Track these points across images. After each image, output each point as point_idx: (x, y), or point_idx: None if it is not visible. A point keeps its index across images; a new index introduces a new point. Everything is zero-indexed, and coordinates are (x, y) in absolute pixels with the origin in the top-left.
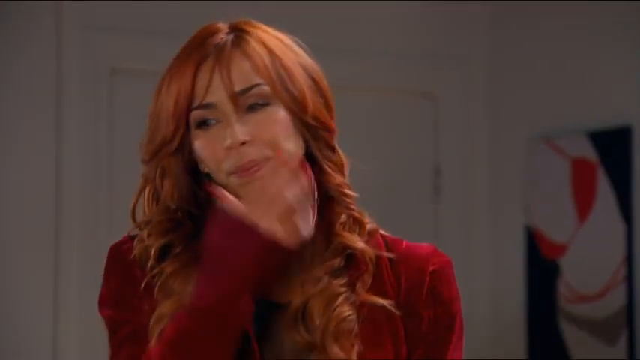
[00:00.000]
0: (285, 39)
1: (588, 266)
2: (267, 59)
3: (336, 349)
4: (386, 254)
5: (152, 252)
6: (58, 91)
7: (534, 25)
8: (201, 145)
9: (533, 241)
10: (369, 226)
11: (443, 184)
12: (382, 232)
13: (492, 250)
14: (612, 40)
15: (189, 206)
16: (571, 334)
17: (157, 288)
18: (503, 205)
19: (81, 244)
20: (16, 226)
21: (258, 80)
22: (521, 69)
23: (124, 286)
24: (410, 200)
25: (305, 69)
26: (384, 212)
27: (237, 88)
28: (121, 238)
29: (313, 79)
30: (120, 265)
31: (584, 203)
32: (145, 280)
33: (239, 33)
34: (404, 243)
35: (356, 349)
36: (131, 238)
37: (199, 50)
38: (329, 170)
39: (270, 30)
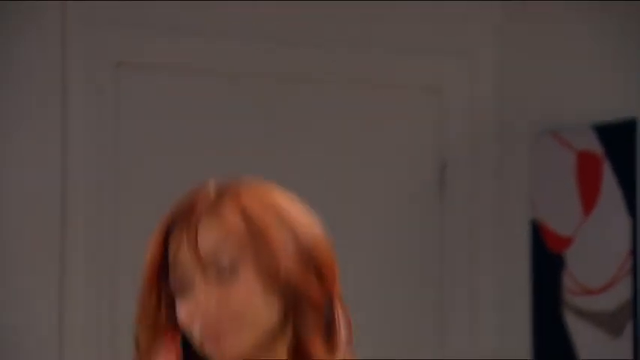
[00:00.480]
0: (284, 207)
1: (593, 259)
2: (235, 224)
3: None
4: None
5: None
6: (64, 85)
7: (541, 19)
8: (178, 314)
9: (539, 235)
10: None
11: (448, 178)
12: None
13: (497, 243)
14: (618, 33)
15: None
16: (576, 327)
17: None
18: (509, 198)
19: (86, 237)
20: (22, 219)
21: (221, 248)
22: (528, 62)
23: None
24: (415, 195)
25: (296, 239)
26: (390, 206)
27: (201, 256)
28: None
29: (300, 248)
30: None
31: (589, 196)
32: None
33: (218, 200)
34: None
35: None
36: None
37: (171, 215)
38: (308, 344)
39: (258, 193)
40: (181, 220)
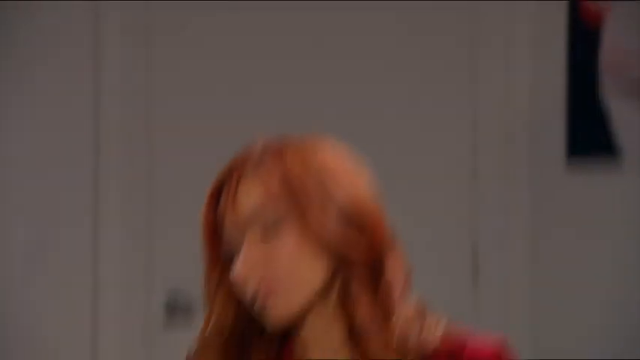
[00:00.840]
0: (321, 162)
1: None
2: (277, 184)
3: None
4: None
5: None
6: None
7: None
8: (231, 275)
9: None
10: (432, 344)
11: None
12: (448, 332)
13: None
14: None
15: (244, 324)
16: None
17: None
18: None
19: (120, 201)
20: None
21: (266, 207)
22: None
23: None
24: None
25: (338, 199)
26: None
27: (243, 212)
28: None
29: (343, 207)
30: None
31: None
32: None
33: (262, 158)
34: (467, 348)
35: None
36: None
37: (220, 177)
38: (355, 299)
39: (303, 151)
40: (227, 181)
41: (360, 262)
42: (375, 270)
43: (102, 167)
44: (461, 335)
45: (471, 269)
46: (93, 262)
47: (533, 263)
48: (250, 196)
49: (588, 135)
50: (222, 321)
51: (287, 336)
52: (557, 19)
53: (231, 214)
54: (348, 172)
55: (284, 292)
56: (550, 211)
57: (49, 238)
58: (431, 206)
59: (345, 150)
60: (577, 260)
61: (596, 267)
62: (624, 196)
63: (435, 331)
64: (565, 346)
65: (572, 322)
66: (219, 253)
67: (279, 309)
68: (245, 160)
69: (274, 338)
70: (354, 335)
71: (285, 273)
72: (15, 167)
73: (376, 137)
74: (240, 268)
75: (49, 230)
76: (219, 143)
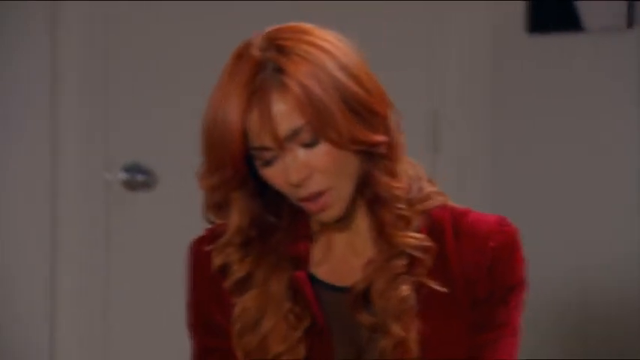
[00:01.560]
0: (325, 46)
1: None
2: (304, 99)
3: (396, 328)
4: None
5: (235, 267)
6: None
7: None
8: (267, 177)
9: None
10: (435, 201)
11: None
12: (450, 204)
13: None
14: None
15: (265, 218)
16: None
17: (234, 285)
18: None
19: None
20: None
21: (299, 123)
22: None
23: (210, 301)
24: None
25: (351, 94)
26: None
27: (282, 133)
28: (201, 233)
29: (361, 101)
30: (204, 271)
31: None
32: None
33: (280, 64)
34: (470, 216)
35: (416, 326)
36: (211, 232)
37: (242, 83)
38: (378, 176)
39: (307, 38)
40: (254, 91)
41: (382, 148)
42: (390, 145)
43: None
44: (460, 207)
45: (432, 135)
46: (52, 135)
47: (494, 130)
48: (288, 118)
49: (550, 9)
50: (240, 223)
51: (300, 233)
52: None
53: (268, 132)
54: (348, 56)
55: (335, 200)
56: (511, 78)
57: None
58: (391, 73)
59: (337, 38)
60: (537, 125)
61: (557, 133)
62: (586, 63)
63: (433, 189)
64: (524, 209)
65: (533, 186)
66: (242, 160)
67: (335, 205)
68: (262, 66)
69: (290, 214)
70: (375, 205)
71: (332, 181)
72: None
73: None
74: (294, 173)
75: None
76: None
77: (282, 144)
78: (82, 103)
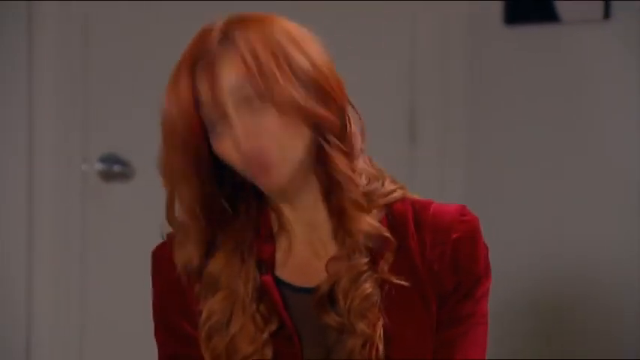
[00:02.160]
0: (281, 24)
1: None
2: (248, 60)
3: (362, 327)
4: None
5: (194, 258)
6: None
7: None
8: (221, 152)
9: None
10: (396, 194)
11: None
12: (411, 196)
13: None
14: None
15: (220, 199)
16: None
17: (201, 286)
18: None
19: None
20: None
21: (245, 84)
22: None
23: (175, 309)
24: None
25: (301, 67)
26: None
27: (225, 91)
28: (162, 240)
29: (312, 77)
30: (168, 278)
31: None
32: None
33: (228, 35)
34: (432, 208)
35: (381, 323)
36: (173, 238)
37: (191, 56)
38: (333, 156)
39: (264, 26)
40: (199, 61)
41: (332, 125)
42: (342, 127)
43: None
44: (422, 199)
45: (409, 127)
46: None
47: (470, 121)
48: (229, 75)
49: (527, 1)
50: (192, 203)
51: (261, 207)
52: None
53: (214, 91)
54: (306, 40)
55: (279, 160)
56: (488, 69)
57: None
58: (369, 67)
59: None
60: (513, 117)
61: (532, 124)
62: (562, 54)
63: (395, 186)
64: (499, 200)
65: (508, 176)
66: (197, 136)
67: (280, 167)
68: (209, 38)
69: (250, 211)
70: (332, 191)
71: (277, 143)
72: None
73: None
74: (240, 139)
75: None
76: None
77: (224, 105)
78: (59, 94)
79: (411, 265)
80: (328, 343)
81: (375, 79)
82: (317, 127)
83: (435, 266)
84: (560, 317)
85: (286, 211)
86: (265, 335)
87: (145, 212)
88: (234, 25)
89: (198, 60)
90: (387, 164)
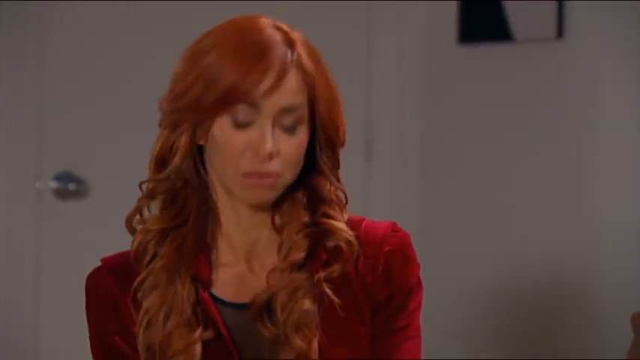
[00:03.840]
0: (317, 52)
1: None
2: (317, 78)
3: (297, 341)
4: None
5: (150, 244)
6: None
7: None
8: (228, 138)
9: None
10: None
11: None
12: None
13: None
14: None
15: (192, 174)
16: None
17: (146, 285)
18: None
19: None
20: None
21: (304, 100)
22: None
23: (112, 330)
24: None
25: (332, 88)
26: None
27: (286, 103)
28: (97, 265)
29: (333, 99)
30: (105, 301)
31: None
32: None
33: (294, 47)
34: (363, 224)
35: (317, 339)
36: (107, 262)
37: (266, 49)
38: (329, 176)
39: (303, 38)
40: (267, 65)
41: (341, 144)
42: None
43: None
44: (354, 216)
45: (365, 144)
46: None
47: (425, 139)
48: (295, 92)
49: (481, 20)
50: (179, 164)
51: (201, 245)
52: None
53: (273, 94)
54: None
55: (284, 178)
56: (442, 88)
57: None
58: None
59: None
60: (467, 134)
61: (486, 141)
62: (516, 73)
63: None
64: (453, 216)
65: (462, 192)
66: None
67: (276, 191)
68: (284, 46)
69: (193, 222)
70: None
71: (293, 165)
72: None
73: None
74: (270, 142)
75: None
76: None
77: (281, 110)
78: (13, 110)
79: (347, 279)
80: (263, 355)
81: None
82: (325, 147)
83: (368, 279)
84: (526, 328)
85: (230, 226)
86: (197, 334)
87: (100, 230)
88: (295, 38)
89: (267, 60)
90: (344, 179)
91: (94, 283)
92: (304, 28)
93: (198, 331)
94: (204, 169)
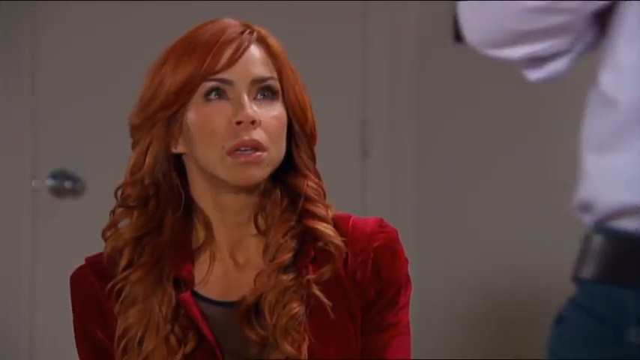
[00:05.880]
0: (282, 46)
1: None
2: (283, 61)
3: (287, 346)
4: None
5: (126, 249)
6: None
7: None
8: (207, 114)
9: None
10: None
11: None
12: (333, 212)
13: None
14: None
15: (165, 180)
16: None
17: (121, 297)
18: None
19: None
20: None
21: (274, 74)
22: None
23: (96, 325)
24: None
25: (295, 73)
26: None
27: (257, 74)
28: (80, 265)
29: (302, 88)
30: (88, 297)
31: None
32: (114, 292)
33: (258, 32)
34: (350, 221)
35: (306, 343)
36: (91, 261)
37: (220, 33)
38: (306, 173)
39: (271, 36)
40: (230, 40)
41: (313, 138)
42: (313, 145)
43: None
44: (341, 213)
45: (362, 142)
46: None
47: (420, 137)
48: (262, 63)
49: None
50: (150, 166)
51: (182, 253)
52: None
53: (242, 70)
54: None
55: (270, 154)
56: (438, 87)
57: None
58: (324, 86)
59: None
60: (462, 132)
61: (480, 139)
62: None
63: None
64: (448, 213)
65: (457, 189)
66: (191, 94)
67: (264, 168)
68: (236, 29)
69: (172, 254)
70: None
71: (275, 136)
72: None
73: None
74: (249, 109)
75: None
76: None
77: (253, 82)
78: (8, 109)
79: (336, 278)
80: (250, 358)
81: (327, 94)
82: (299, 141)
83: (357, 275)
84: (521, 326)
85: (215, 224)
86: (179, 357)
87: (96, 228)
88: (259, 29)
89: (231, 40)
90: (340, 177)
91: (78, 281)
92: (299, 28)
93: (180, 351)
94: (180, 176)
